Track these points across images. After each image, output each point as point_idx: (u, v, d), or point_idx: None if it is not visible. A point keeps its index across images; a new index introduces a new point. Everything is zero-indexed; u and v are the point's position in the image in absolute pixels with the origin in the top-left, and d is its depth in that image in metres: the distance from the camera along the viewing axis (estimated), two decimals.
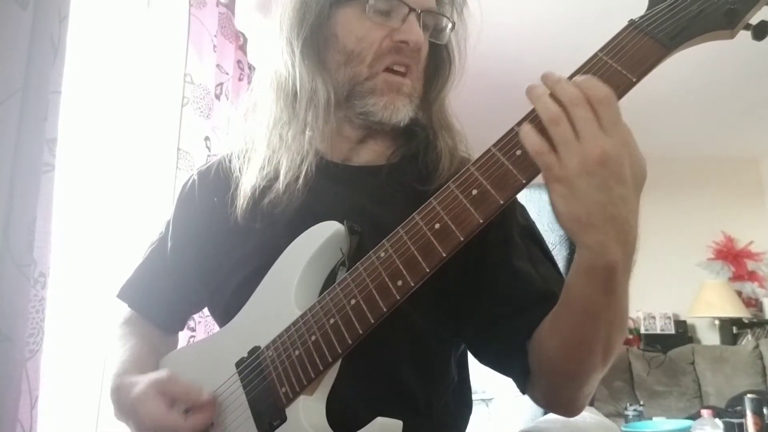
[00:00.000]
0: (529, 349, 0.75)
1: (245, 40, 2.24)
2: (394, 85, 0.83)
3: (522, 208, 0.87)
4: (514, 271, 0.78)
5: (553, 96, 0.58)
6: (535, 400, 0.80)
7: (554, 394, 0.76)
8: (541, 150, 0.57)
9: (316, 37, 0.84)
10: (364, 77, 0.83)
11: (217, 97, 1.95)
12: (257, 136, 0.89)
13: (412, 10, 0.81)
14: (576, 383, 0.71)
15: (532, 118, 0.60)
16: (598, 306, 0.62)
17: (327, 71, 0.84)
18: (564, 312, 0.68)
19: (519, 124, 0.61)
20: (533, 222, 0.87)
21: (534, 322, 0.73)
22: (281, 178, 0.83)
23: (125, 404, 0.75)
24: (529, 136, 0.58)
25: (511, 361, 0.77)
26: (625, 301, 0.63)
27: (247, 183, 0.86)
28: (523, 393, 0.79)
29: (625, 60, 0.60)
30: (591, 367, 0.69)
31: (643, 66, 0.60)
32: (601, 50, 0.62)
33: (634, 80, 0.60)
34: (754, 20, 0.63)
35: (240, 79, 2.17)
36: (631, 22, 0.63)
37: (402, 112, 0.84)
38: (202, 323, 1.79)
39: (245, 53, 2.24)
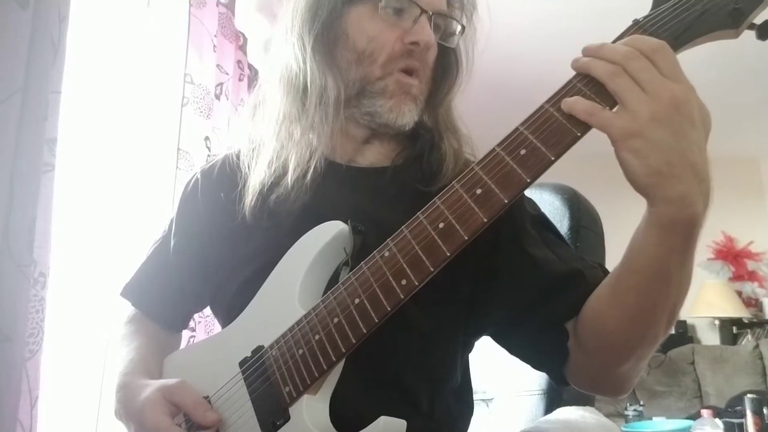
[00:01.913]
0: (575, 330, 0.73)
1: (245, 40, 2.24)
2: (404, 86, 0.83)
3: (530, 200, 0.88)
4: (534, 258, 0.77)
5: (602, 58, 0.57)
6: (580, 383, 0.77)
7: (607, 372, 0.73)
8: (593, 109, 0.55)
9: (327, 34, 0.83)
10: (376, 77, 0.82)
11: (217, 97, 1.95)
12: (266, 131, 0.89)
13: (423, 11, 0.81)
14: (635, 356, 0.68)
15: (568, 90, 0.59)
16: (671, 266, 0.60)
17: (337, 68, 0.83)
18: (629, 278, 0.64)
19: (524, 123, 0.61)
20: (542, 211, 0.87)
21: (569, 303, 0.72)
22: (290, 173, 0.83)
23: (131, 406, 0.75)
24: (577, 101, 0.56)
25: (547, 348, 0.75)
26: (692, 262, 0.61)
27: (256, 179, 0.85)
28: (558, 382, 0.77)
29: None
30: (654, 337, 0.66)
31: None
32: None
33: None
34: (758, 20, 0.63)
35: (240, 79, 2.17)
36: (636, 22, 0.63)
37: (407, 116, 0.84)
38: (202, 323, 1.79)
39: (245, 53, 2.24)
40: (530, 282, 0.76)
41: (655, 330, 0.65)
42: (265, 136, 0.88)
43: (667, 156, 0.53)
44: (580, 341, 0.73)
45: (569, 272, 0.75)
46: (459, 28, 0.88)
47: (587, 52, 0.58)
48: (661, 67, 0.55)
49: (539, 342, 0.77)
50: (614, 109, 0.57)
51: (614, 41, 0.61)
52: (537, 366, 0.81)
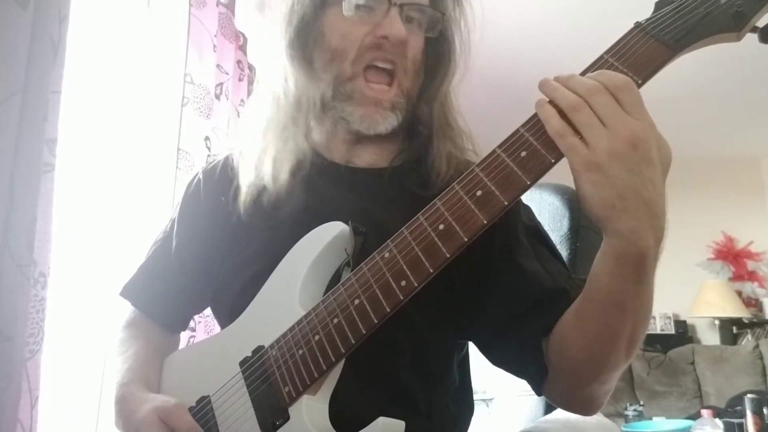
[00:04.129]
0: (547, 348, 0.74)
1: (245, 40, 2.23)
2: (371, 99, 0.83)
3: (527, 209, 0.87)
4: (523, 270, 0.77)
5: (570, 89, 0.58)
6: (553, 400, 0.79)
7: (574, 393, 0.75)
8: (564, 132, 0.56)
9: (304, 39, 0.84)
10: (346, 77, 0.83)
11: (217, 97, 1.95)
12: (253, 134, 0.90)
13: (392, 4, 0.80)
14: (599, 380, 0.70)
15: (538, 126, 0.59)
16: (625, 296, 0.61)
17: (315, 72, 0.84)
18: (588, 306, 0.66)
19: (525, 125, 0.61)
20: (538, 222, 0.87)
21: (547, 320, 0.73)
22: (272, 176, 0.84)
23: (128, 422, 0.75)
24: (551, 117, 0.57)
25: (526, 361, 0.76)
26: (651, 291, 0.62)
27: (244, 180, 0.86)
28: (539, 394, 0.78)
29: (631, 62, 0.61)
30: (615, 363, 0.67)
31: (648, 68, 0.60)
32: (606, 52, 0.62)
33: (640, 82, 0.60)
34: (761, 23, 0.62)
35: (240, 79, 2.17)
36: (638, 25, 0.63)
37: (382, 125, 0.83)
38: (202, 323, 1.79)
39: (245, 53, 2.23)
40: (517, 293, 0.77)
41: (615, 356, 0.67)
42: (253, 140, 0.89)
43: (621, 191, 0.55)
44: (548, 360, 0.74)
45: (555, 289, 0.75)
46: (439, 15, 0.86)
47: (557, 79, 0.60)
48: (624, 103, 0.56)
49: (519, 355, 0.77)
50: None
51: (613, 47, 0.62)
52: (520, 377, 0.81)
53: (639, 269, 0.59)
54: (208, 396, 0.75)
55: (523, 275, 0.77)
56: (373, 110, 0.83)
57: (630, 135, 0.54)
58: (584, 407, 0.77)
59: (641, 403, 3.56)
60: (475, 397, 0.94)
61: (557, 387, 0.75)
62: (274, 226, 0.83)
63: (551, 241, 0.86)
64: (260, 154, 0.87)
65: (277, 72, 0.87)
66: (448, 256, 0.61)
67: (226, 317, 0.88)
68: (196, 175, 0.97)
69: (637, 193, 0.55)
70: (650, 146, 0.55)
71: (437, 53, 0.89)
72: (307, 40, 0.84)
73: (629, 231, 0.56)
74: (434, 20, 0.86)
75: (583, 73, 0.61)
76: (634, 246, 0.57)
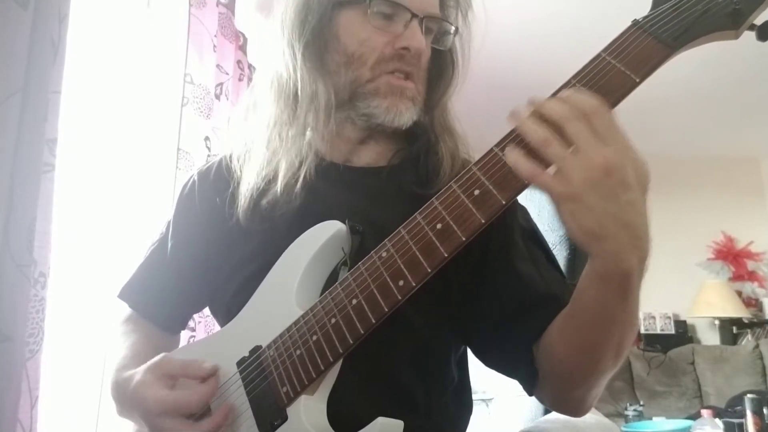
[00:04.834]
0: (537, 352, 0.74)
1: (245, 40, 2.24)
2: (397, 88, 0.83)
3: (524, 210, 0.87)
4: (518, 274, 0.78)
5: (541, 116, 0.58)
6: (543, 401, 0.81)
7: (563, 396, 0.76)
8: (534, 173, 0.57)
9: (317, 39, 0.84)
10: (366, 79, 0.82)
11: (217, 97, 1.95)
12: (257, 136, 0.89)
13: (414, 16, 0.81)
14: (587, 385, 0.71)
15: (518, 140, 0.60)
16: (611, 311, 0.62)
17: (328, 73, 0.84)
18: (575, 317, 0.67)
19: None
20: (535, 224, 0.87)
21: (539, 325, 0.73)
22: (280, 179, 0.83)
23: (127, 397, 0.75)
24: (519, 162, 0.58)
25: (516, 363, 0.77)
26: (637, 304, 0.63)
27: (246, 184, 0.86)
28: (530, 395, 0.79)
29: (629, 60, 0.61)
30: (602, 370, 0.69)
31: (646, 66, 0.60)
32: (604, 50, 0.62)
33: (638, 80, 0.60)
34: (759, 21, 0.63)
35: (240, 79, 2.17)
36: (635, 22, 0.63)
37: (405, 115, 0.83)
38: (202, 323, 1.79)
39: (245, 53, 2.24)
40: (511, 295, 0.77)
41: (602, 363, 0.68)
42: (256, 141, 0.89)
43: (600, 218, 0.55)
44: (539, 363, 0.75)
45: (547, 295, 0.76)
46: (453, 29, 0.87)
47: (531, 105, 0.60)
48: (597, 128, 0.56)
49: (511, 357, 0.78)
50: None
51: (611, 45, 0.62)
52: (512, 378, 0.82)
53: (624, 286, 0.59)
54: None
55: (518, 278, 0.78)
56: (398, 100, 0.83)
57: (602, 161, 0.55)
58: (574, 409, 0.78)
59: (641, 403, 3.56)
60: (474, 397, 0.94)
61: (547, 389, 0.77)
62: (270, 226, 0.83)
63: (547, 244, 0.86)
64: (265, 155, 0.86)
65: (286, 72, 0.86)
66: (446, 255, 0.61)
67: (223, 317, 0.88)
68: (191, 176, 0.97)
69: (615, 218, 0.55)
70: (625, 171, 0.55)
71: (441, 64, 0.90)
72: (321, 41, 0.84)
73: (612, 254, 0.57)
74: (447, 32, 0.87)
75: (579, 72, 0.61)
76: (617, 267, 0.58)
